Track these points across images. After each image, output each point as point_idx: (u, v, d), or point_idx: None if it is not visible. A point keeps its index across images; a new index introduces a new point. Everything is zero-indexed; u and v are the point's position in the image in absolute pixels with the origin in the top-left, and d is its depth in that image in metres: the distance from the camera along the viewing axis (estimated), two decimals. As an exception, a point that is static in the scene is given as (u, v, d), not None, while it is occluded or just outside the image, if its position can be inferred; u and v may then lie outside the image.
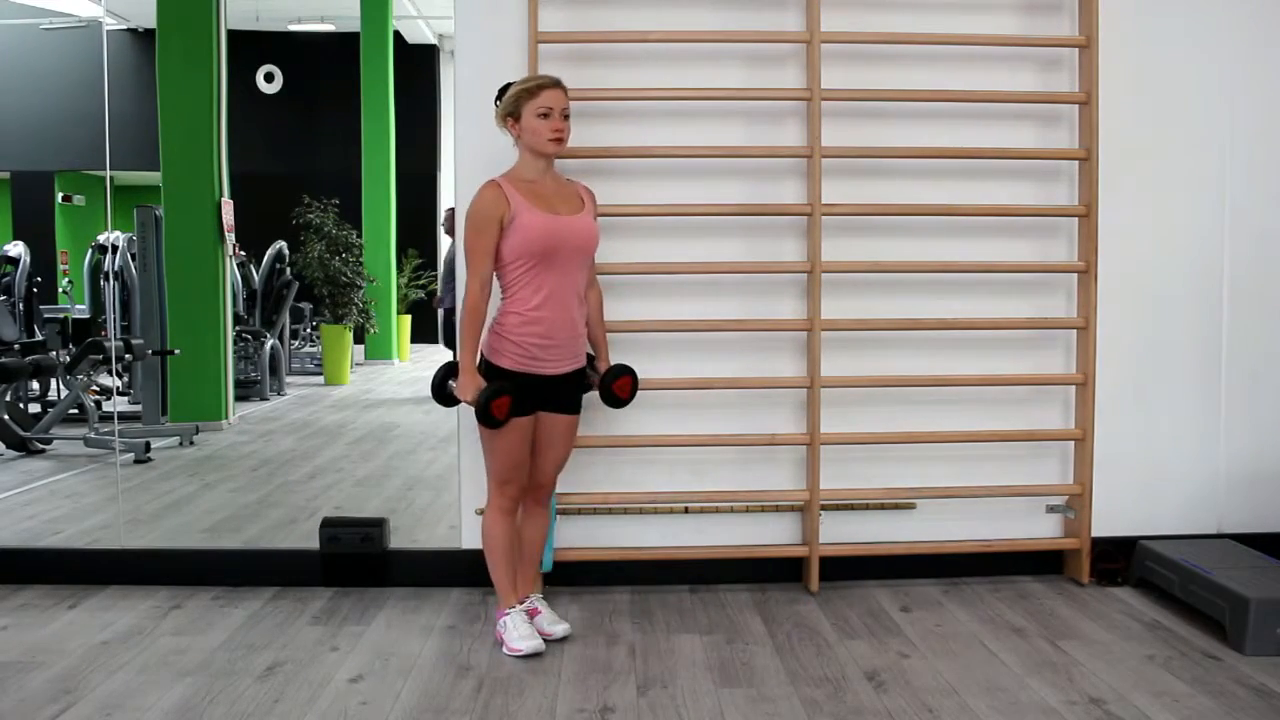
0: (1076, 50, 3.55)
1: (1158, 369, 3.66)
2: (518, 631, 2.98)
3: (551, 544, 3.37)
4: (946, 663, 2.90)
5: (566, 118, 2.92)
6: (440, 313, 8.24)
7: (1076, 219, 3.58)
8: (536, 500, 3.17)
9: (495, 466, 3.00)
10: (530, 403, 2.93)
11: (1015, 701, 2.65)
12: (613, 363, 3.16)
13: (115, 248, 6.85)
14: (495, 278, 2.94)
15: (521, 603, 3.09)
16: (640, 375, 3.41)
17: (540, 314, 2.87)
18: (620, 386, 3.12)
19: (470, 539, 3.56)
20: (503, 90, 2.99)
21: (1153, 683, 2.76)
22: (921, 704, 2.64)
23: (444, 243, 11.92)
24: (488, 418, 2.83)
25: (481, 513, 3.18)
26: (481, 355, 2.94)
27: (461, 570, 3.53)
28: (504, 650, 2.97)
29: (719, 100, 3.50)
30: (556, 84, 2.93)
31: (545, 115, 2.88)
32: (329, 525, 3.61)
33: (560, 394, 3.00)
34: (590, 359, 3.14)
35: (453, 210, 8.29)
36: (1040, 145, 3.60)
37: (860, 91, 3.49)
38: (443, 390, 3.04)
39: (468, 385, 2.89)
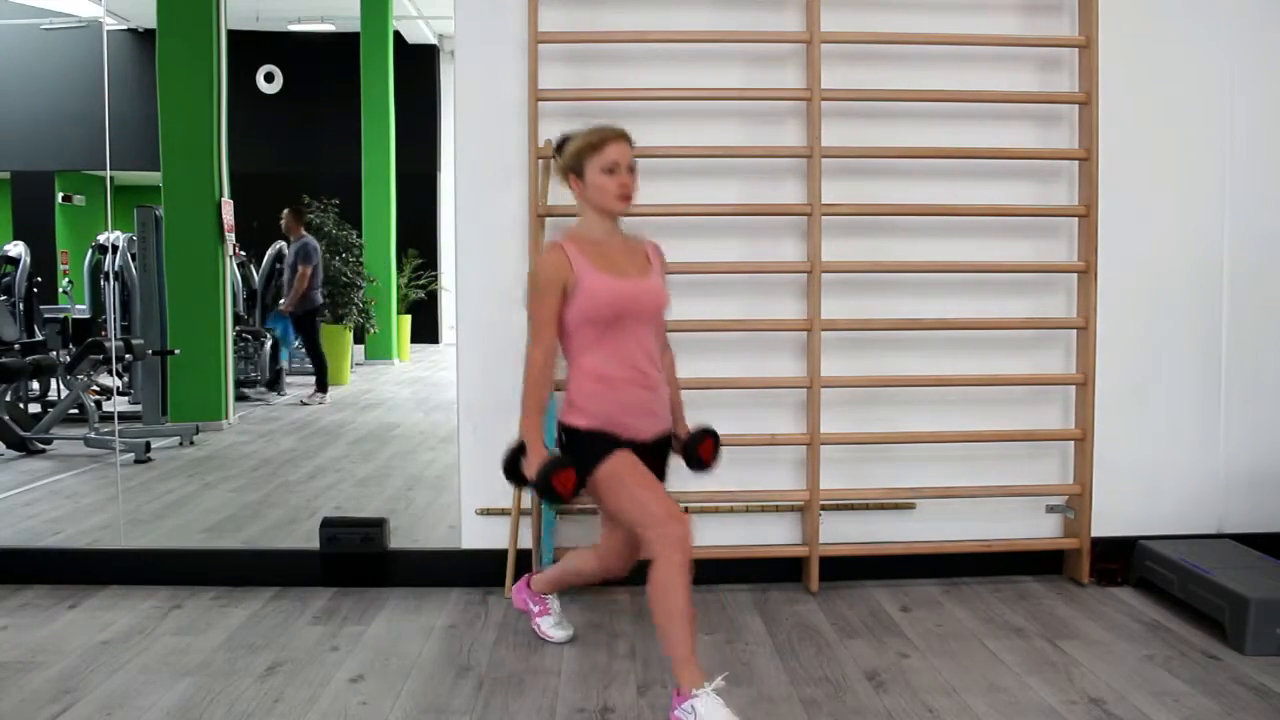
0: (1076, 50, 3.55)
1: (1158, 369, 3.66)
2: (555, 619, 3.03)
3: (552, 543, 3.37)
4: (946, 662, 2.91)
5: (633, 171, 2.66)
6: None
7: (1076, 219, 3.58)
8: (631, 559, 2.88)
9: (640, 505, 2.55)
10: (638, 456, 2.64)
11: (1015, 701, 2.65)
12: (695, 429, 2.87)
13: (115, 248, 6.86)
14: (561, 348, 2.70)
15: (718, 684, 2.48)
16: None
17: (610, 375, 2.63)
18: (705, 449, 2.84)
19: (470, 539, 3.57)
20: (562, 142, 2.75)
21: (1152, 682, 2.76)
22: (921, 704, 2.64)
23: (445, 240, 11.90)
24: (550, 493, 2.53)
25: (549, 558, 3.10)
26: (560, 426, 2.69)
27: (461, 570, 3.53)
28: (534, 628, 3.04)
29: (719, 100, 3.50)
30: (622, 136, 2.67)
31: (611, 171, 2.63)
32: (329, 525, 3.61)
33: (649, 464, 2.68)
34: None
35: (291, 210, 8.37)
36: (1040, 145, 3.60)
37: (860, 91, 3.49)
38: (514, 468, 2.71)
39: (533, 461, 2.59)
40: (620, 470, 2.58)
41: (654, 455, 2.71)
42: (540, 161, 3.37)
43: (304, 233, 8.46)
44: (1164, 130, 3.62)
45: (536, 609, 3.11)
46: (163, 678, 2.79)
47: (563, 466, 2.55)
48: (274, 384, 8.41)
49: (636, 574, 3.54)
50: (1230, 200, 3.65)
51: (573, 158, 2.67)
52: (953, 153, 3.52)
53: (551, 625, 3.09)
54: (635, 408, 2.65)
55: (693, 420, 3.21)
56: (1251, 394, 3.69)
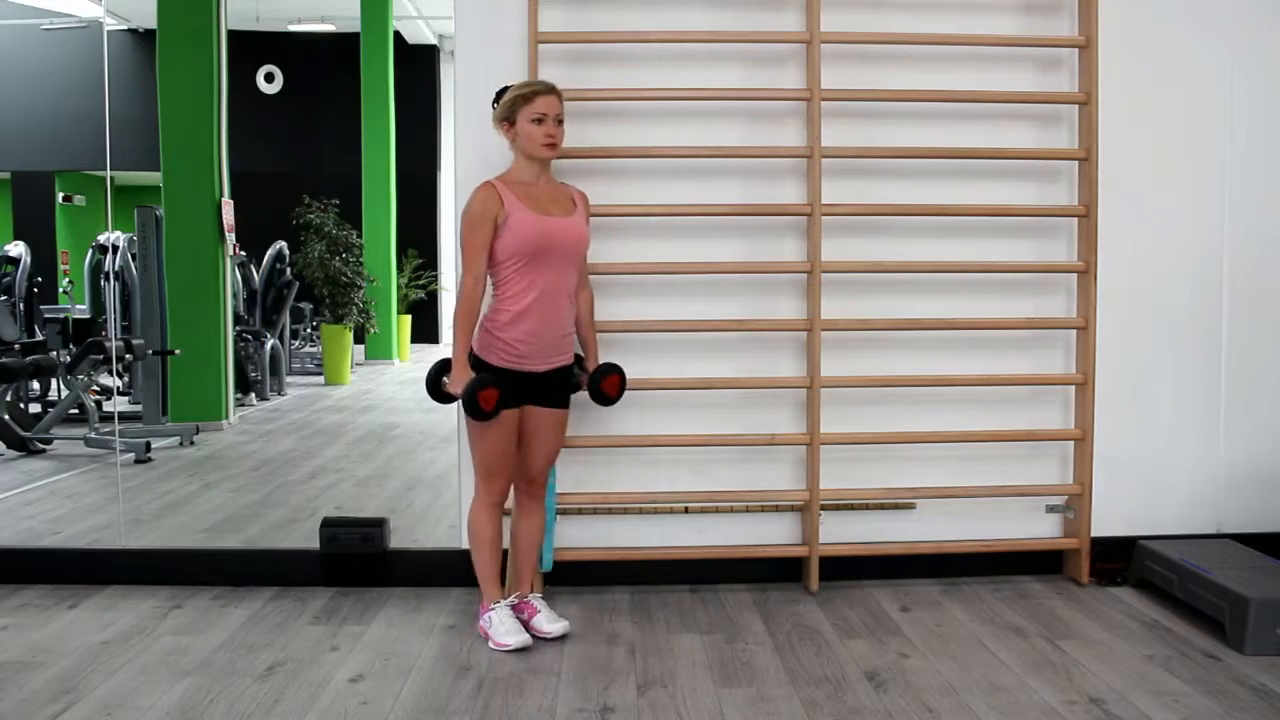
0: (1076, 50, 3.55)
1: (1157, 369, 3.66)
2: (504, 626, 3.01)
3: (551, 544, 3.37)
4: (946, 662, 2.91)
5: (560, 123, 2.99)
6: None
7: (1076, 219, 3.58)
8: (529, 495, 3.18)
9: (481, 459, 3.03)
10: (516, 397, 2.97)
11: (1015, 701, 2.65)
12: (602, 362, 3.19)
13: (115, 248, 6.87)
14: (489, 277, 2.99)
15: (513, 599, 3.13)
16: (640, 375, 3.41)
17: (529, 311, 2.93)
18: (609, 385, 3.14)
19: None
20: (500, 93, 3.05)
21: (1152, 682, 2.76)
22: (921, 704, 2.64)
23: (446, 240, 11.91)
24: (475, 409, 2.86)
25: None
26: (472, 352, 2.97)
27: (462, 570, 3.51)
28: (490, 646, 3.00)
29: (719, 100, 3.51)
30: (551, 90, 2.99)
31: (539, 121, 2.95)
32: (329, 525, 3.61)
33: (548, 389, 3.04)
34: (579, 359, 3.17)
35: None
36: (1040, 145, 3.60)
37: (860, 92, 3.50)
38: (437, 385, 3.07)
39: (458, 378, 2.94)
40: (492, 419, 2.92)
41: (554, 384, 3.05)
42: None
43: None
44: (1164, 130, 3.62)
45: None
46: (163, 678, 2.79)
47: (486, 385, 2.87)
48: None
49: (638, 575, 3.55)
50: (1230, 200, 3.65)
51: (506, 107, 3.00)
52: (953, 153, 3.52)
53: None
54: (541, 345, 2.97)
55: (692, 419, 3.24)
56: (1251, 394, 3.69)
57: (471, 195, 2.97)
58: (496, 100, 3.05)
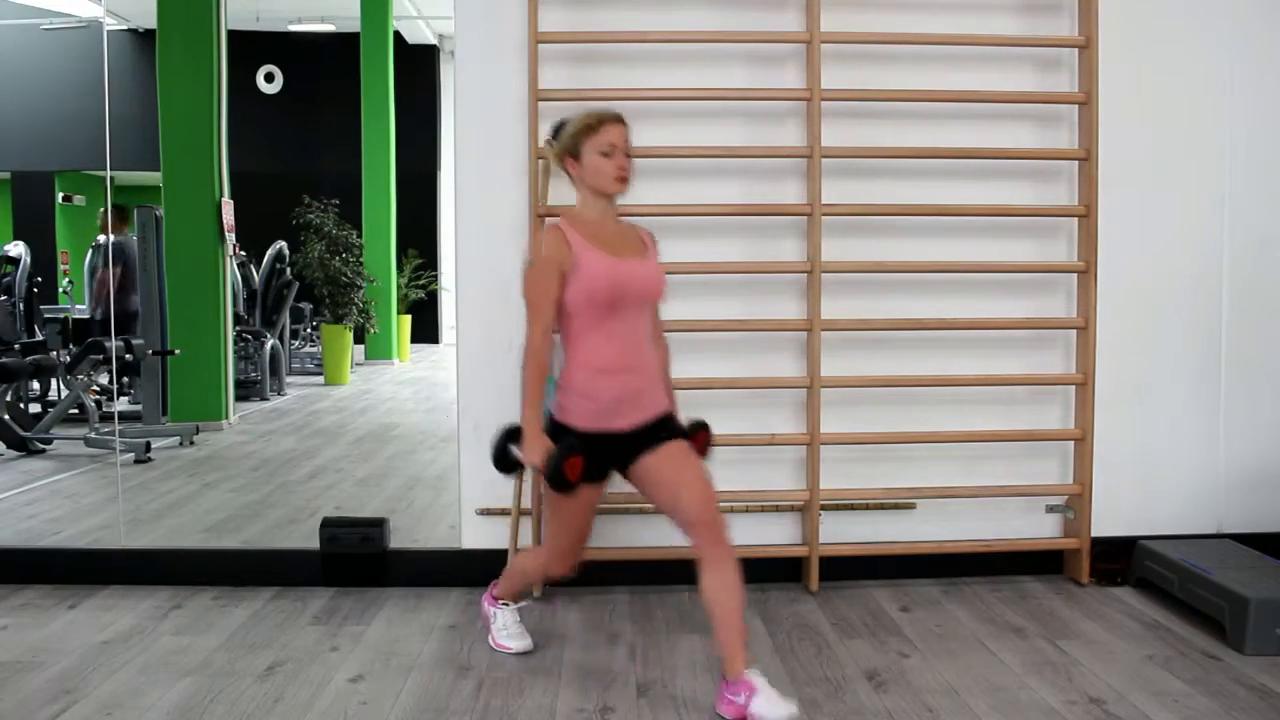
0: (1076, 50, 3.55)
1: (1157, 369, 3.66)
2: (508, 630, 2.99)
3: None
4: (946, 662, 2.91)
5: (629, 154, 2.69)
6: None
7: (1076, 219, 3.58)
8: (712, 543, 2.56)
9: (557, 537, 2.75)
10: (605, 466, 2.66)
11: (1015, 701, 2.65)
12: (683, 419, 2.80)
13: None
14: (558, 332, 2.69)
15: (738, 688, 2.48)
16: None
17: (612, 363, 2.62)
18: (698, 441, 2.77)
19: (470, 539, 3.57)
20: (558, 127, 2.76)
21: (1152, 682, 2.76)
22: (921, 704, 2.64)
23: (445, 240, 11.90)
24: (560, 481, 2.53)
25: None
26: (547, 417, 2.67)
27: (461, 570, 3.53)
28: (490, 639, 3.01)
29: (719, 100, 3.51)
30: (618, 118, 2.69)
31: (608, 154, 2.65)
32: (329, 525, 3.61)
33: (650, 437, 2.65)
34: None
35: (110, 209, 7.61)
36: (1040, 145, 3.61)
37: (860, 92, 3.50)
38: (505, 456, 2.73)
39: (535, 446, 2.59)
40: (575, 496, 2.65)
41: (656, 431, 2.67)
42: (540, 162, 3.37)
43: (126, 232, 7.14)
44: (1164, 130, 3.62)
45: (744, 697, 2.47)
46: (163, 677, 2.79)
47: (571, 452, 2.54)
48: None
49: (638, 576, 3.55)
50: (1230, 200, 3.65)
51: (570, 140, 2.69)
52: (953, 153, 3.53)
53: (770, 705, 2.45)
54: (627, 399, 2.63)
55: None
56: (1251, 394, 3.69)
57: (536, 239, 2.72)
58: (555, 134, 2.76)
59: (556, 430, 2.64)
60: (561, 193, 3.21)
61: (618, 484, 3.50)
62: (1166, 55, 3.61)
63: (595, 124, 2.67)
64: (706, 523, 2.57)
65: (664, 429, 2.69)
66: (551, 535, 2.78)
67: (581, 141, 2.67)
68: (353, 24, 11.30)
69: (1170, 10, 3.60)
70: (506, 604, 3.03)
